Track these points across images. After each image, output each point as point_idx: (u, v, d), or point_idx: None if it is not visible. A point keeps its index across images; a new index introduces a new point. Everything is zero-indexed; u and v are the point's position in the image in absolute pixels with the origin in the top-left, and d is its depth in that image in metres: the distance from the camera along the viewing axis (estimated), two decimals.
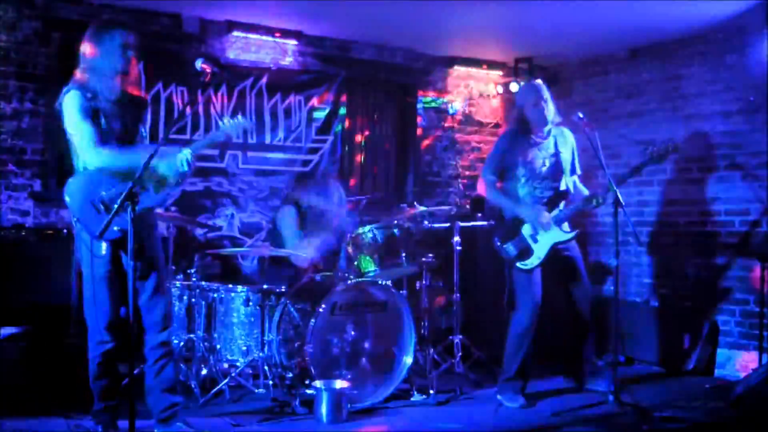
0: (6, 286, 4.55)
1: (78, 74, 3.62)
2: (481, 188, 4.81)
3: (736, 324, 5.76)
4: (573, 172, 4.82)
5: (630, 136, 6.56)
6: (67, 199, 3.53)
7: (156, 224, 3.87)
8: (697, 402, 4.81)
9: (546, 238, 4.63)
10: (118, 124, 3.62)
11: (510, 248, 4.64)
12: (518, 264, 4.63)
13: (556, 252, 4.65)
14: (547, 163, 4.72)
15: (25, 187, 5.32)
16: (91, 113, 3.55)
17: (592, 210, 4.50)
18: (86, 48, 3.62)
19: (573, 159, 4.82)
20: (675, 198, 6.23)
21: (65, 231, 4.92)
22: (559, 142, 4.77)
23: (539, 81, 4.83)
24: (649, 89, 6.50)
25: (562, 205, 4.69)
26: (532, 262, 4.62)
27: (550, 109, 4.67)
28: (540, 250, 4.62)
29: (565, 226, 4.70)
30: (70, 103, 3.56)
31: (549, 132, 4.75)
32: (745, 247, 5.70)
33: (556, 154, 4.74)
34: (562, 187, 4.76)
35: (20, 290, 4.60)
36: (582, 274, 4.82)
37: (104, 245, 3.52)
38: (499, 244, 4.70)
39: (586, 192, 4.79)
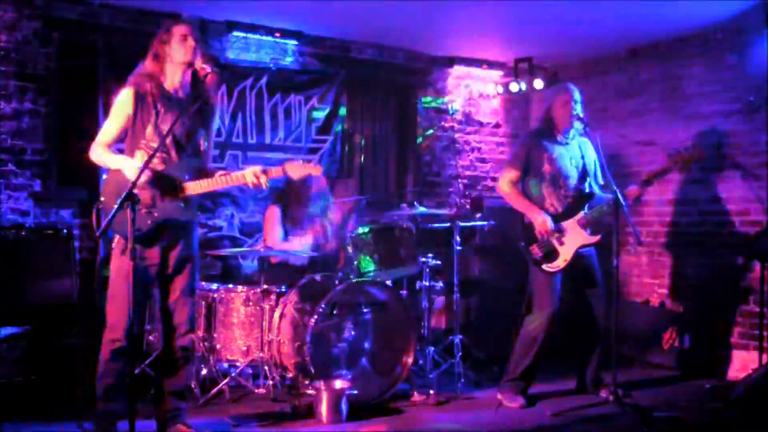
0: (6, 286, 4.55)
1: (140, 71, 3.61)
2: (501, 184, 4.77)
3: (736, 324, 5.76)
4: (596, 180, 4.81)
5: (630, 136, 6.56)
6: (102, 198, 3.56)
7: (194, 228, 3.78)
8: (697, 402, 4.80)
9: (572, 240, 4.60)
10: (171, 122, 3.49)
11: (536, 250, 4.61)
12: (545, 266, 4.60)
13: (577, 255, 4.62)
14: (572, 164, 4.70)
15: (25, 187, 5.31)
16: (135, 114, 3.55)
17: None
18: (153, 47, 3.61)
19: (596, 168, 4.79)
20: (675, 198, 6.23)
21: (65, 231, 4.93)
22: (584, 147, 4.77)
23: (571, 84, 4.79)
24: (649, 89, 6.50)
25: (586, 207, 4.66)
26: (558, 264, 4.59)
27: (578, 112, 4.64)
28: (566, 253, 4.59)
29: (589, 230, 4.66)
30: (117, 100, 3.61)
31: (574, 136, 4.73)
32: (745, 247, 5.70)
33: (582, 157, 4.73)
34: (587, 190, 4.74)
35: (20, 290, 4.60)
36: (599, 281, 4.79)
37: (125, 243, 3.45)
38: (524, 245, 4.66)
39: (608, 196, 4.72)
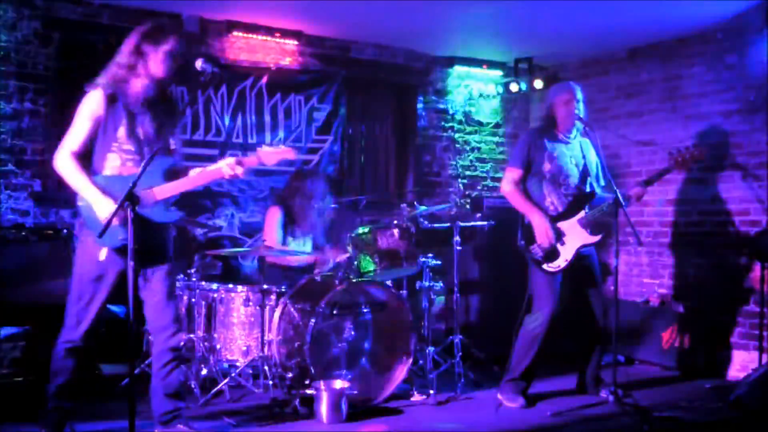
0: (6, 286, 4.55)
1: (112, 72, 3.55)
2: (504, 183, 4.75)
3: (736, 324, 5.76)
4: (597, 179, 4.81)
5: (630, 136, 6.57)
6: (79, 201, 3.53)
7: (170, 229, 3.79)
8: (697, 402, 4.81)
9: (572, 240, 4.59)
10: (143, 125, 3.53)
11: (537, 250, 4.60)
12: (545, 266, 4.59)
13: (577, 255, 4.61)
14: (573, 163, 4.68)
15: (25, 187, 5.32)
16: (105, 117, 3.50)
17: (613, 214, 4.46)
18: (128, 47, 3.56)
19: (597, 167, 4.79)
20: (675, 198, 6.23)
21: (65, 231, 4.92)
22: (585, 147, 4.76)
23: (573, 83, 4.77)
24: (649, 89, 6.51)
25: (587, 207, 4.64)
26: (559, 264, 4.58)
27: (580, 111, 4.63)
28: (567, 252, 4.58)
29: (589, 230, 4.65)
30: (85, 103, 3.53)
31: (575, 135, 4.73)
32: (745, 247, 5.70)
33: (583, 156, 4.73)
34: (587, 189, 4.73)
35: (20, 290, 4.59)
36: (598, 279, 4.79)
37: (104, 251, 3.47)
38: (524, 245, 4.65)
39: (608, 196, 4.69)
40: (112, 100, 3.51)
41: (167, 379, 3.71)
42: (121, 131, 3.52)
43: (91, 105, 3.51)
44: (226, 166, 3.57)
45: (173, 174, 3.60)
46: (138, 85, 3.55)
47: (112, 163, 3.54)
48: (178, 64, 3.60)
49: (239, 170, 3.57)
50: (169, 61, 3.56)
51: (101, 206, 3.41)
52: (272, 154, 3.67)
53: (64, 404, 3.61)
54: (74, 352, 3.57)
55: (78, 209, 3.56)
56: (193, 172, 3.65)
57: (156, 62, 3.54)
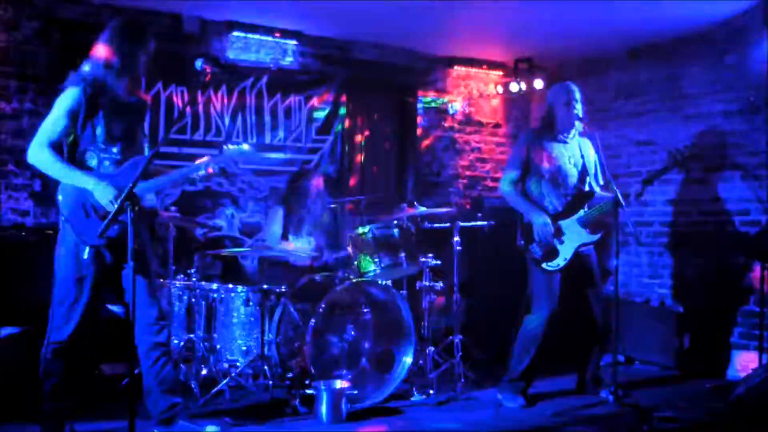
0: (6, 286, 4.55)
1: (88, 68, 3.57)
2: (503, 184, 4.76)
3: (736, 324, 5.76)
4: (596, 179, 4.81)
5: (630, 136, 6.56)
6: (59, 197, 3.53)
7: (146, 227, 3.80)
8: (697, 402, 4.81)
9: (571, 239, 4.60)
10: (120, 124, 3.58)
11: (536, 249, 4.61)
12: (544, 265, 4.60)
13: (576, 255, 4.62)
14: (572, 163, 4.69)
15: (25, 187, 5.32)
16: (83, 115, 3.50)
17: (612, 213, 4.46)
18: (107, 45, 3.57)
19: (596, 167, 4.80)
20: (675, 198, 6.23)
21: None
22: (583, 147, 4.77)
23: (572, 84, 4.77)
24: (649, 89, 6.51)
25: (585, 206, 4.65)
26: (558, 263, 4.59)
27: (579, 111, 4.63)
28: (566, 252, 4.59)
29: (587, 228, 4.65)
30: (63, 99, 3.53)
31: (574, 135, 4.73)
32: (745, 247, 5.70)
33: (582, 156, 4.73)
34: (586, 189, 4.74)
35: (20, 290, 4.59)
36: (597, 279, 4.79)
37: (87, 249, 3.48)
38: (524, 244, 4.66)
39: (607, 195, 4.69)
40: (91, 98, 3.51)
41: (161, 374, 3.71)
42: (99, 130, 3.53)
43: (70, 101, 3.51)
44: (200, 166, 3.62)
45: (148, 173, 3.58)
46: (117, 85, 3.56)
47: (89, 162, 3.55)
48: (157, 64, 3.67)
49: (212, 167, 3.64)
50: (149, 60, 3.60)
51: (102, 192, 3.43)
52: (239, 152, 3.74)
53: (60, 404, 3.60)
54: (62, 352, 3.55)
55: (58, 205, 3.55)
56: (175, 170, 3.73)
57: (136, 61, 3.57)
